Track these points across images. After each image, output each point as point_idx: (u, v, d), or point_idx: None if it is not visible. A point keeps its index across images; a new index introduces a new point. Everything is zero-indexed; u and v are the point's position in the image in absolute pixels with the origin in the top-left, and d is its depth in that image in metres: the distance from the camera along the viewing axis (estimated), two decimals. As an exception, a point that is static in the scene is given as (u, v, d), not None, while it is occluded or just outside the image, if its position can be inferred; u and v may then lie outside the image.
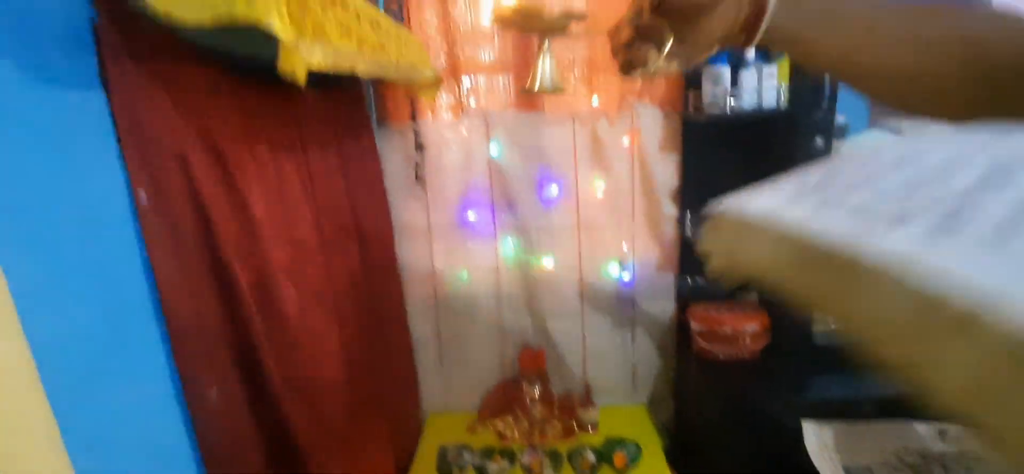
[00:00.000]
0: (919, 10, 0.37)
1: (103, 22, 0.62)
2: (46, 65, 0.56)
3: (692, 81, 1.26)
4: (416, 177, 1.52)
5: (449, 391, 1.63)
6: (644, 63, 0.47)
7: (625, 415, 1.52)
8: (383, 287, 1.45)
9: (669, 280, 1.43)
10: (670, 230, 1.39)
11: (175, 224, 0.69)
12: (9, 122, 0.52)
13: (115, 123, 0.63)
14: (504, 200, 1.48)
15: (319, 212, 1.06)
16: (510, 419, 1.48)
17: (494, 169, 1.47)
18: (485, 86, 1.50)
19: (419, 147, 1.50)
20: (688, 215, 1.34)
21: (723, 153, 1.28)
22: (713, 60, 1.17)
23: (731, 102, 1.18)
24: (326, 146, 1.14)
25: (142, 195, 0.65)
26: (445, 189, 1.51)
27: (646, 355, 1.52)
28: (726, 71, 1.17)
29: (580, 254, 1.48)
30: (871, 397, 1.09)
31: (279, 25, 0.52)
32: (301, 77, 0.55)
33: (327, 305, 1.04)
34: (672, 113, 1.35)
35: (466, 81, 1.48)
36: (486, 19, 1.44)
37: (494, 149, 1.45)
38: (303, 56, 0.62)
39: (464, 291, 1.56)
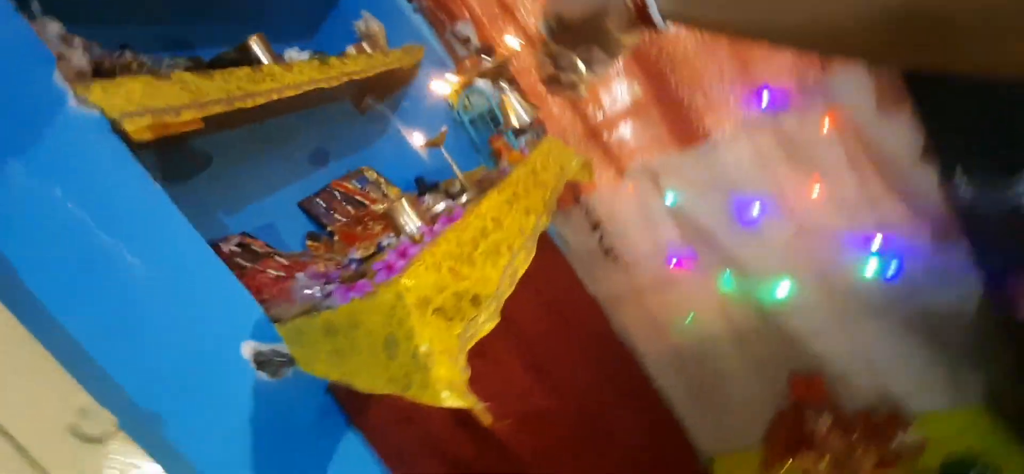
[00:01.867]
0: None
1: (333, 384, 0.78)
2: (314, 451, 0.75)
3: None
4: (605, 253, 1.49)
5: (724, 431, 1.56)
6: (574, 84, 0.53)
7: (956, 423, 1.19)
8: (611, 365, 1.46)
9: (959, 254, 1.07)
10: (935, 197, 1.04)
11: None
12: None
13: (374, 453, 0.80)
14: (700, 239, 1.34)
15: (531, 355, 1.13)
16: (811, 456, 1.31)
17: (676, 214, 1.35)
18: (631, 135, 1.38)
19: (595, 226, 1.48)
20: (957, 171, 0.98)
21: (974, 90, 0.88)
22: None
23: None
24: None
25: (410, 496, 0.80)
26: (637, 249, 1.45)
27: (957, 350, 1.16)
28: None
29: (816, 260, 1.23)
30: None
31: (453, 400, 0.58)
32: (486, 421, 0.60)
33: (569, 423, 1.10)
34: (882, 65, 1.00)
35: (609, 138, 1.40)
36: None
37: (669, 199, 1.32)
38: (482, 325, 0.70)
39: (697, 333, 1.47)
